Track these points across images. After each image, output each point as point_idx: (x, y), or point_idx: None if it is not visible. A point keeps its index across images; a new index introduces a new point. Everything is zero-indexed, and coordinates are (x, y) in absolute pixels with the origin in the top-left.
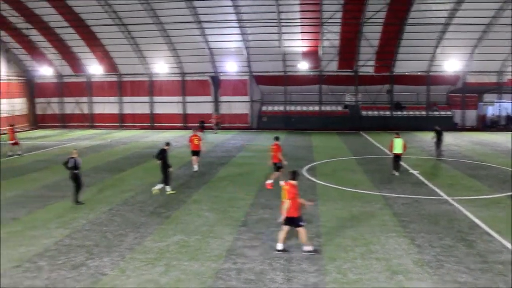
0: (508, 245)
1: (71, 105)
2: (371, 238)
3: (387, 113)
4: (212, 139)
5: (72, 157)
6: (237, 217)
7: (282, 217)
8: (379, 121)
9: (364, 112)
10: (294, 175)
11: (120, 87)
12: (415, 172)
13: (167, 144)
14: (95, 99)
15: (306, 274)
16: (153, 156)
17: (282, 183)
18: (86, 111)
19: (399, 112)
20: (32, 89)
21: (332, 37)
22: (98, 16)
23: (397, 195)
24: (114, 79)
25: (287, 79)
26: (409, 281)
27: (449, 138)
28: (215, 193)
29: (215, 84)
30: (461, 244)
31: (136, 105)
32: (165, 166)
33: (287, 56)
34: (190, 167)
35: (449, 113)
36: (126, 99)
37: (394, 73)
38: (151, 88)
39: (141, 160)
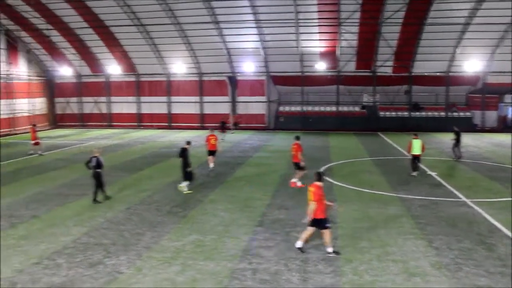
0: None
1: (89, 105)
2: (388, 240)
3: (405, 114)
4: (230, 139)
5: (95, 156)
6: (253, 217)
7: (308, 219)
8: (397, 122)
9: (382, 113)
10: (320, 176)
11: (138, 87)
12: (433, 174)
13: (188, 143)
14: (113, 99)
15: (322, 275)
16: (175, 156)
17: (299, 183)
18: (104, 111)
19: (417, 113)
20: (52, 89)
21: (350, 37)
22: (117, 17)
23: (414, 197)
24: (132, 79)
25: (305, 80)
26: (426, 284)
27: (468, 139)
28: (232, 193)
29: (232, 84)
30: (480, 247)
31: (154, 105)
32: (186, 165)
33: (305, 56)
34: (207, 166)
35: (468, 114)
36: (144, 99)
37: (413, 74)
38: (169, 88)
39: (158, 160)
